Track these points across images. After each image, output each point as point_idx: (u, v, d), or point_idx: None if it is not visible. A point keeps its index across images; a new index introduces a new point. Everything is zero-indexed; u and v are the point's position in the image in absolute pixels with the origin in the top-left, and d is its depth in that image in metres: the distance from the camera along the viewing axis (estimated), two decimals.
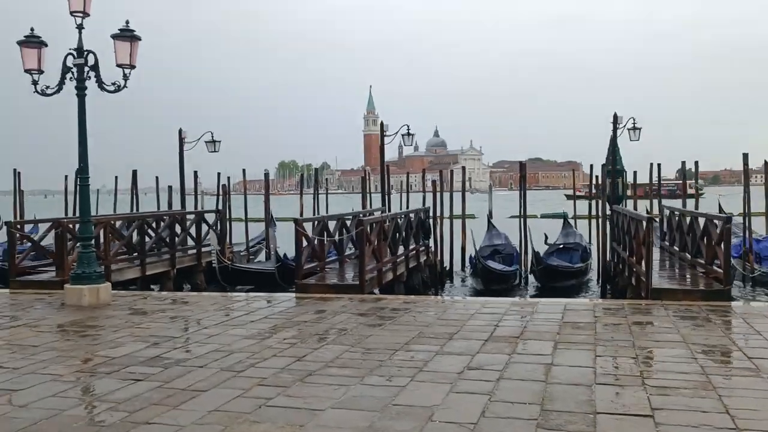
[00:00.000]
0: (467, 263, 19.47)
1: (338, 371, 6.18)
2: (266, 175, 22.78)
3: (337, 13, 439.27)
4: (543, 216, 47.49)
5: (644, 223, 10.71)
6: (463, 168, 23.07)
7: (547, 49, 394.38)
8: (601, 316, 8.86)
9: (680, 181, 22.64)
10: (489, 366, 6.30)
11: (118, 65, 10.37)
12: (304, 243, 12.09)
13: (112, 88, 10.47)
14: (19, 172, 24.25)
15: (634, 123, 17.07)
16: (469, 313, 9.16)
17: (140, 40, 10.48)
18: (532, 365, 6.32)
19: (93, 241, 10.78)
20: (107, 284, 10.69)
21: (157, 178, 24.06)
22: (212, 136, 19.54)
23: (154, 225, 17.09)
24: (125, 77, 10.45)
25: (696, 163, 22.59)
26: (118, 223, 15.59)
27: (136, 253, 14.90)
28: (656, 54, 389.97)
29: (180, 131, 18.88)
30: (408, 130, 18.66)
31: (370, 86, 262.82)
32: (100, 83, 10.44)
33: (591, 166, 23.39)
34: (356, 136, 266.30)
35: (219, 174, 20.79)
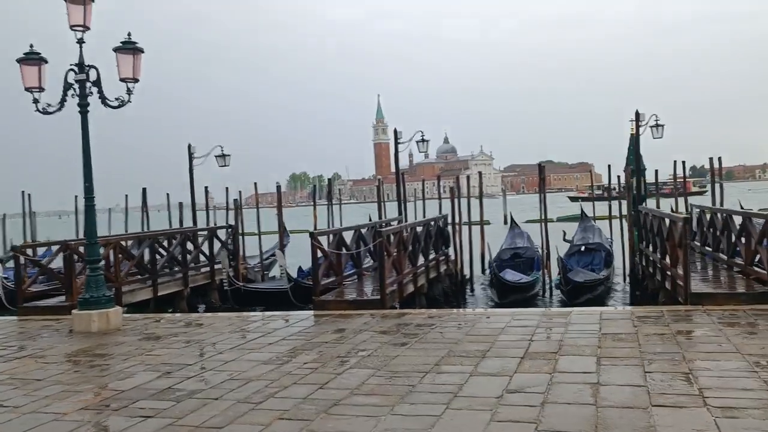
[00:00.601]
0: (486, 270, 18.79)
1: (365, 399, 5.66)
2: (278, 187, 22.30)
3: (345, 24, 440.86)
4: (559, 219, 46.77)
5: (680, 224, 10.11)
6: (479, 173, 22.51)
7: (554, 50, 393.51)
8: (641, 326, 8.28)
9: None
10: (530, 388, 5.75)
11: (122, 79, 9.96)
12: (321, 257, 11.60)
13: (115, 103, 10.05)
14: (28, 194, 23.99)
15: (656, 120, 16.46)
16: (499, 327, 8.62)
17: (143, 52, 10.06)
18: (578, 385, 5.77)
19: (101, 264, 10.31)
20: (117, 308, 10.23)
21: (168, 195, 23.69)
22: (222, 151, 19.13)
23: (165, 243, 16.69)
24: (129, 92, 10.04)
25: (720, 159, 22.01)
26: (129, 243, 15.17)
27: (147, 274, 14.43)
28: (666, 51, 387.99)
29: (189, 146, 18.48)
30: (422, 136, 18.17)
31: (378, 95, 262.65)
32: (103, 99, 10.02)
33: (609, 166, 22.81)
34: (366, 146, 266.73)
35: (227, 189, 20.39)
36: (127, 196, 24.97)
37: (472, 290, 18.65)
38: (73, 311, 10.12)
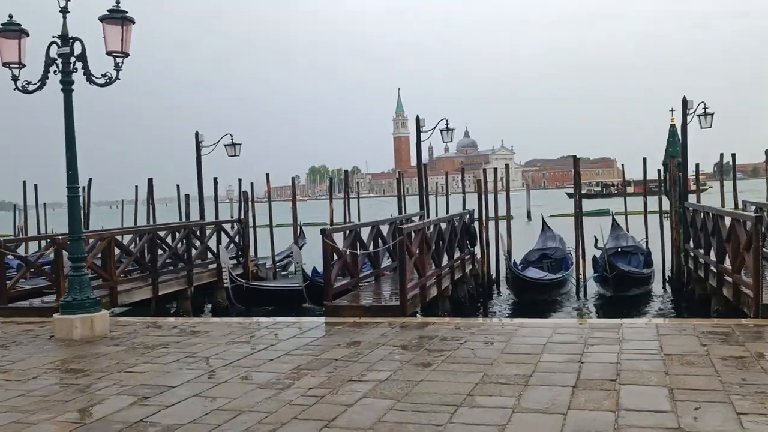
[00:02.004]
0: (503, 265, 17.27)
1: None
2: (293, 180, 21.15)
3: (367, 19, 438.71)
4: (584, 214, 45.11)
5: (748, 224, 8.73)
6: (506, 165, 21.08)
7: (576, 45, 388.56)
8: (710, 345, 6.96)
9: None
10: None
11: (109, 53, 8.77)
12: (334, 257, 10.37)
13: (102, 80, 8.88)
14: (35, 185, 23.00)
15: (705, 108, 14.95)
16: (540, 343, 7.33)
17: (133, 23, 8.85)
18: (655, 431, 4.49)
19: (85, 262, 9.16)
20: (103, 313, 9.07)
21: (178, 186, 22.53)
22: (232, 139, 17.93)
23: (170, 238, 15.57)
24: (117, 67, 8.85)
25: (733, 155, 20.42)
26: (127, 238, 14.05)
27: (147, 272, 13.28)
28: (689, 47, 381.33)
29: (197, 134, 17.30)
30: (447, 124, 16.83)
31: (399, 89, 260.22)
32: (89, 75, 8.85)
33: (644, 159, 21.29)
34: (386, 140, 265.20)
35: (240, 180, 19.20)
36: (137, 187, 23.87)
37: (499, 291, 17.33)
38: (54, 315, 8.99)
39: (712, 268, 11.47)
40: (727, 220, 10.40)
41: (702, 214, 12.31)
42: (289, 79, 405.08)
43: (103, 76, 8.86)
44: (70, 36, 8.77)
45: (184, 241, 14.71)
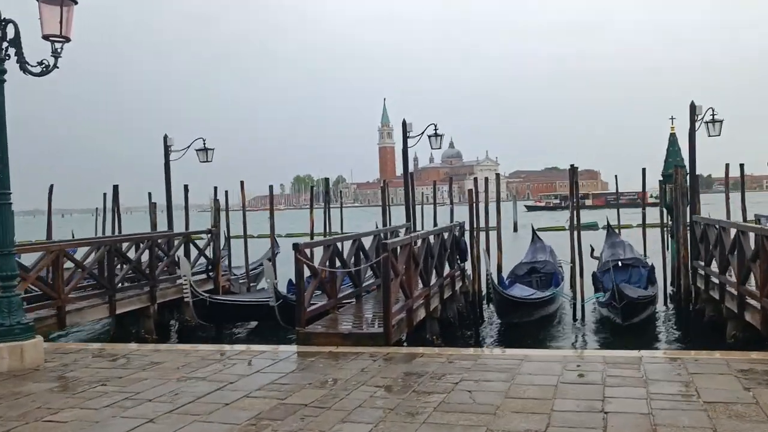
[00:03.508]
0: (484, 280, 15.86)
1: None
2: (271, 188, 19.88)
3: (355, 26, 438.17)
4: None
5: None
6: (497, 175, 19.97)
7: (560, 56, 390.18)
8: (755, 388, 5.81)
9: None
10: None
11: (45, 37, 7.52)
12: (309, 274, 9.13)
13: (37, 69, 7.62)
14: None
15: (713, 115, 13.88)
16: (550, 384, 6.14)
17: (76, 3, 7.61)
18: None
19: (16, 281, 7.85)
20: (36, 340, 7.76)
21: (150, 194, 21.13)
22: (204, 144, 16.65)
23: (134, 250, 14.24)
24: (55, 53, 7.60)
25: (741, 165, 19.42)
26: (82, 251, 12.71)
27: (103, 288, 11.93)
28: (673, 60, 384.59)
29: (165, 138, 16.01)
30: (435, 130, 15.65)
31: (384, 99, 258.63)
32: (23, 63, 7.57)
33: (643, 169, 20.32)
34: (372, 149, 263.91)
35: (216, 188, 17.87)
36: (105, 194, 22.42)
37: (492, 310, 16.12)
38: None
39: (730, 289, 10.36)
40: (751, 236, 9.29)
41: (717, 228, 11.20)
42: (273, 88, 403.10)
43: (40, 63, 7.60)
44: (2, 18, 7.51)
45: (148, 253, 13.39)
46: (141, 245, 13.73)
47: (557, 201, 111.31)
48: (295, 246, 8.66)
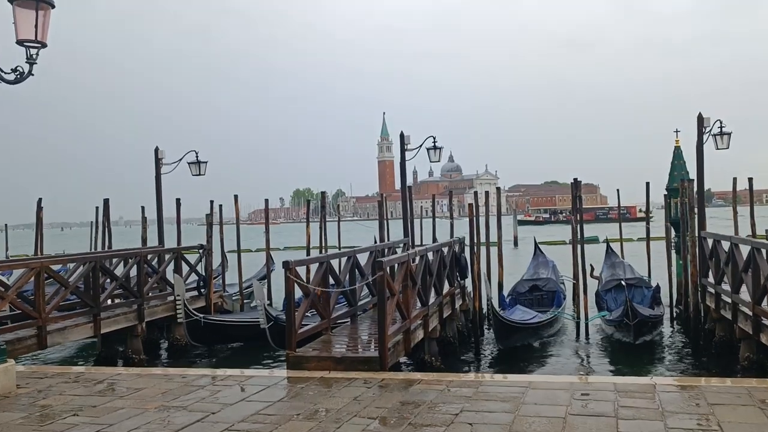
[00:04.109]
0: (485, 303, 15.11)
1: None
2: (266, 202, 19.42)
3: (354, 41, 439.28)
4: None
5: None
6: (498, 189, 19.52)
7: (558, 72, 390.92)
8: None
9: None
10: None
11: (19, 42, 7.08)
12: (300, 294, 8.64)
13: (12, 76, 7.16)
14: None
15: (721, 127, 13.43)
16: (558, 416, 5.67)
17: (53, 6, 7.18)
18: None
19: None
20: (7, 365, 7.28)
21: (143, 207, 20.62)
22: (197, 157, 16.19)
23: (122, 266, 13.76)
24: (30, 60, 7.14)
25: (750, 179, 18.92)
26: (68, 267, 12.21)
27: (88, 307, 11.42)
28: (666, 74, 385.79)
29: (156, 150, 15.55)
30: (434, 142, 15.21)
31: (384, 113, 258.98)
32: None
33: (647, 183, 19.82)
34: (372, 163, 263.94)
35: (212, 202, 17.36)
36: (97, 208, 21.91)
37: (490, 331, 15.57)
38: None
39: (744, 309, 9.87)
40: (765, 253, 8.82)
41: (729, 246, 10.72)
42: (271, 103, 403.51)
43: (14, 70, 7.14)
44: None
45: (137, 269, 12.90)
46: (129, 261, 13.24)
47: (546, 215, 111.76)
48: (286, 264, 8.18)
